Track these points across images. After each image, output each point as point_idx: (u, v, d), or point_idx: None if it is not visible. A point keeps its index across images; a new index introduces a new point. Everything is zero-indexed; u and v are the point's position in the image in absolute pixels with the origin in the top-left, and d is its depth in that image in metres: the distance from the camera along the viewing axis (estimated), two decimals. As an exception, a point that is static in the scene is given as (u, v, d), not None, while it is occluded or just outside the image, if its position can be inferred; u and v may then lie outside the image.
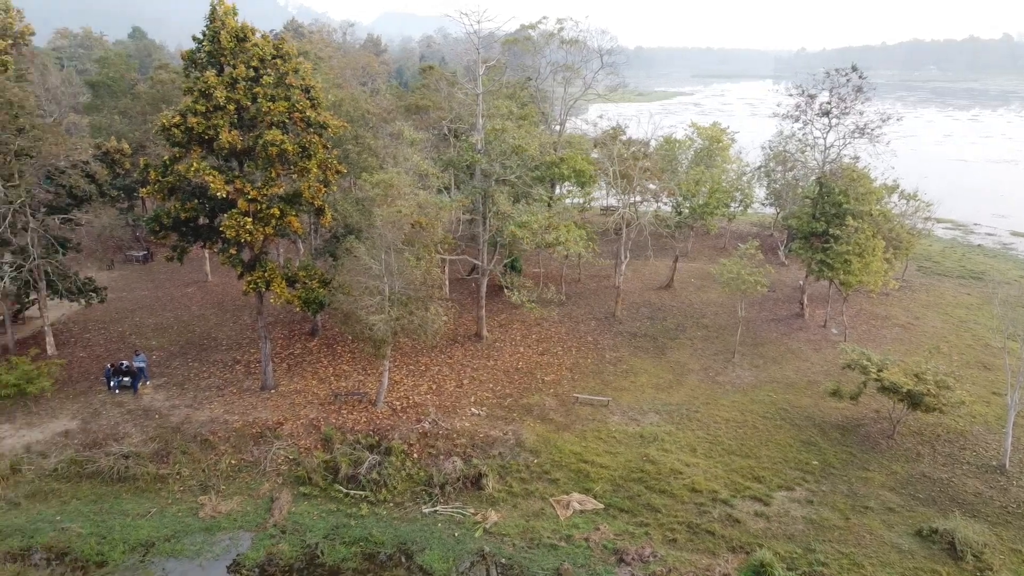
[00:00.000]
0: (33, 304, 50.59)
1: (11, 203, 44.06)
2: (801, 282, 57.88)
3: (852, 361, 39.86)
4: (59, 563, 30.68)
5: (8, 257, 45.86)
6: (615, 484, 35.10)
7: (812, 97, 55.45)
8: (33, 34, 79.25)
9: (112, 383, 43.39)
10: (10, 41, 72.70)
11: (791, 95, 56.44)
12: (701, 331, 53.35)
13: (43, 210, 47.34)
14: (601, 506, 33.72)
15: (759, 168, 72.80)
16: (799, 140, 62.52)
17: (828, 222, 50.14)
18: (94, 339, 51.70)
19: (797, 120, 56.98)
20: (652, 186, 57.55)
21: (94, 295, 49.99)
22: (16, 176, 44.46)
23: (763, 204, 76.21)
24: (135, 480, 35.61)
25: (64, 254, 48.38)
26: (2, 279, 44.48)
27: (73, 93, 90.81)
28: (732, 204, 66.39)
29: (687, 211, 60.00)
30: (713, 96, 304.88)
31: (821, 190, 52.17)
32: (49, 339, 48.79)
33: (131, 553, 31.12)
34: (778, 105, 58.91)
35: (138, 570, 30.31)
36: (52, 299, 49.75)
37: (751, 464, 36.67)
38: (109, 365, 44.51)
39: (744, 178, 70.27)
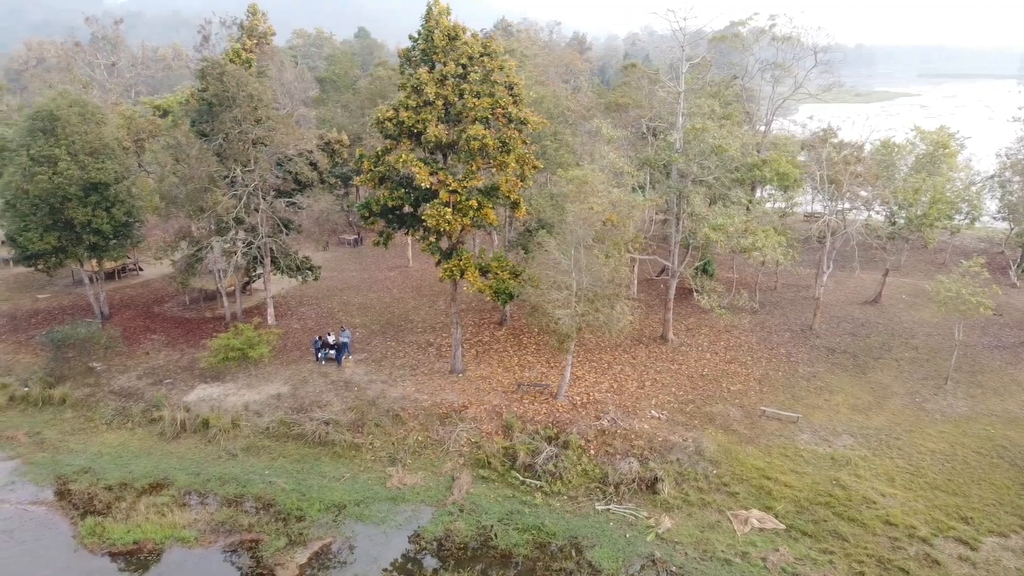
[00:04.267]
0: (258, 278, 56.33)
1: (247, 186, 49.23)
2: (1035, 307, 51.63)
3: (1093, 400, 35.01)
4: (265, 512, 34.03)
5: (242, 235, 51.31)
6: (799, 506, 33.25)
7: (1064, 99, 49.29)
8: (274, 34, 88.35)
9: (319, 355, 47.35)
10: (255, 40, 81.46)
11: (1037, 96, 50.48)
12: (909, 352, 49.09)
13: (272, 194, 52.40)
14: (782, 526, 32.11)
15: (991, 178, 65.60)
16: (1044, 147, 55.76)
17: (1074, 241, 44.33)
18: (307, 313, 56.62)
19: (1043, 125, 50.96)
20: (864, 193, 53.66)
21: (310, 273, 54.69)
22: (252, 162, 49.53)
23: (994, 218, 68.54)
24: (333, 445, 38.79)
25: (288, 234, 53.44)
26: (235, 254, 49.93)
27: (304, 88, 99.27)
28: (957, 216, 60.29)
29: (903, 221, 55.31)
30: (943, 97, 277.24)
31: (1067, 205, 46.19)
32: (270, 310, 54.00)
33: (326, 512, 33.87)
34: (1020, 108, 52.88)
35: (331, 528, 32.91)
36: (275, 274, 54.99)
37: (958, 503, 33.30)
38: (317, 337, 48.59)
39: (973, 188, 63.57)
